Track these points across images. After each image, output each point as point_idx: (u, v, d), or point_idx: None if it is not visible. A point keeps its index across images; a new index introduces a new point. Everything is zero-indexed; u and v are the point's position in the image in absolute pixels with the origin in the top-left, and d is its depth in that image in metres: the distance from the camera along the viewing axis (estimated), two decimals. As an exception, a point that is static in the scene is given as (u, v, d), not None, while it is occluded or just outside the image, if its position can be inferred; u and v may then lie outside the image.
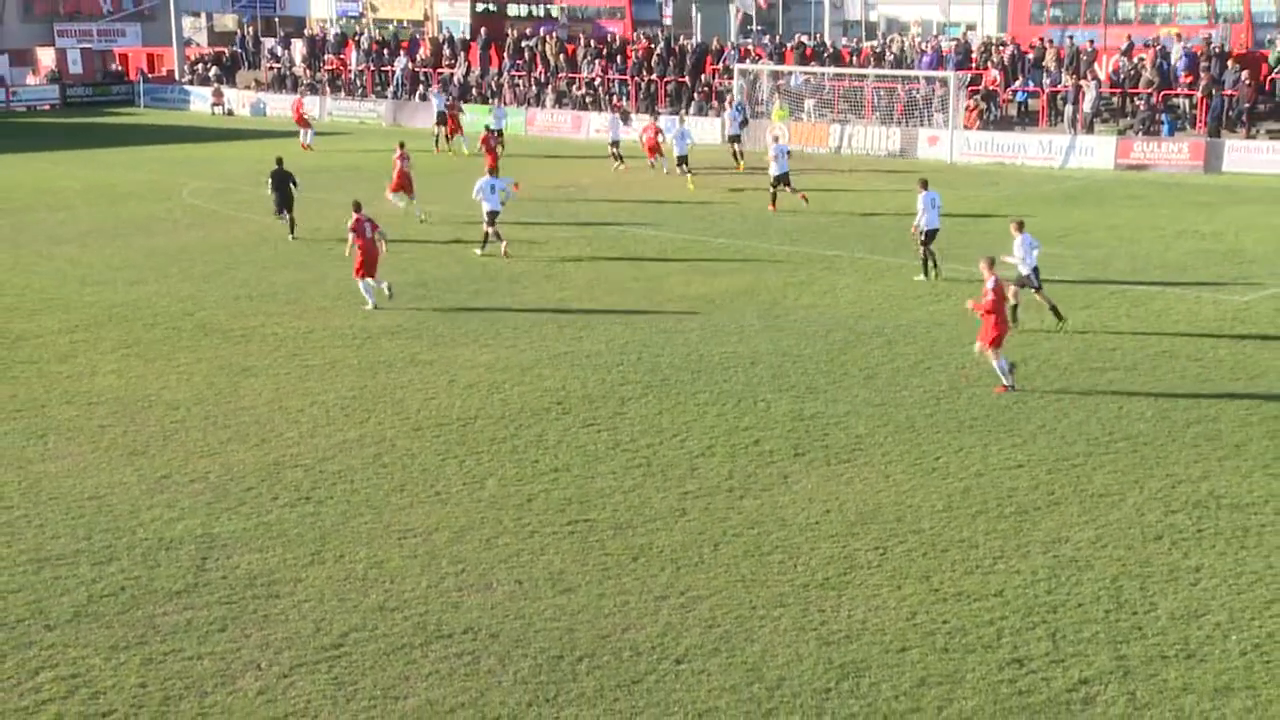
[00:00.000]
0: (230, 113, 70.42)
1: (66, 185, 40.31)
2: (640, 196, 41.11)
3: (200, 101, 72.96)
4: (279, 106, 67.79)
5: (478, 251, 31.26)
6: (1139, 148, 47.81)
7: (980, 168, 48.48)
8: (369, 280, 25.82)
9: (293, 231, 33.54)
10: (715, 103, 57.03)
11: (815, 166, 48.68)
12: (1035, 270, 23.94)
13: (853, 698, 11.57)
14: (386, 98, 67.17)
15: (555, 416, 19.36)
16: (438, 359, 22.36)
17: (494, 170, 33.35)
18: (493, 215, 30.82)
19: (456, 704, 11.46)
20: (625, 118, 53.28)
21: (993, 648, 12.44)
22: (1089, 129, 49.73)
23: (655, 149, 45.43)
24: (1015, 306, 23.18)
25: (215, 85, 72.83)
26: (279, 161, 33.96)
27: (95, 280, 28.87)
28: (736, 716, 11.29)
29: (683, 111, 55.72)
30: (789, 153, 38.46)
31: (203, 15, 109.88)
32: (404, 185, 35.88)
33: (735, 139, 47.70)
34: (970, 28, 74.71)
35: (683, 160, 42.90)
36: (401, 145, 37.19)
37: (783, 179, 36.88)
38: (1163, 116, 48.80)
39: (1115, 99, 51.64)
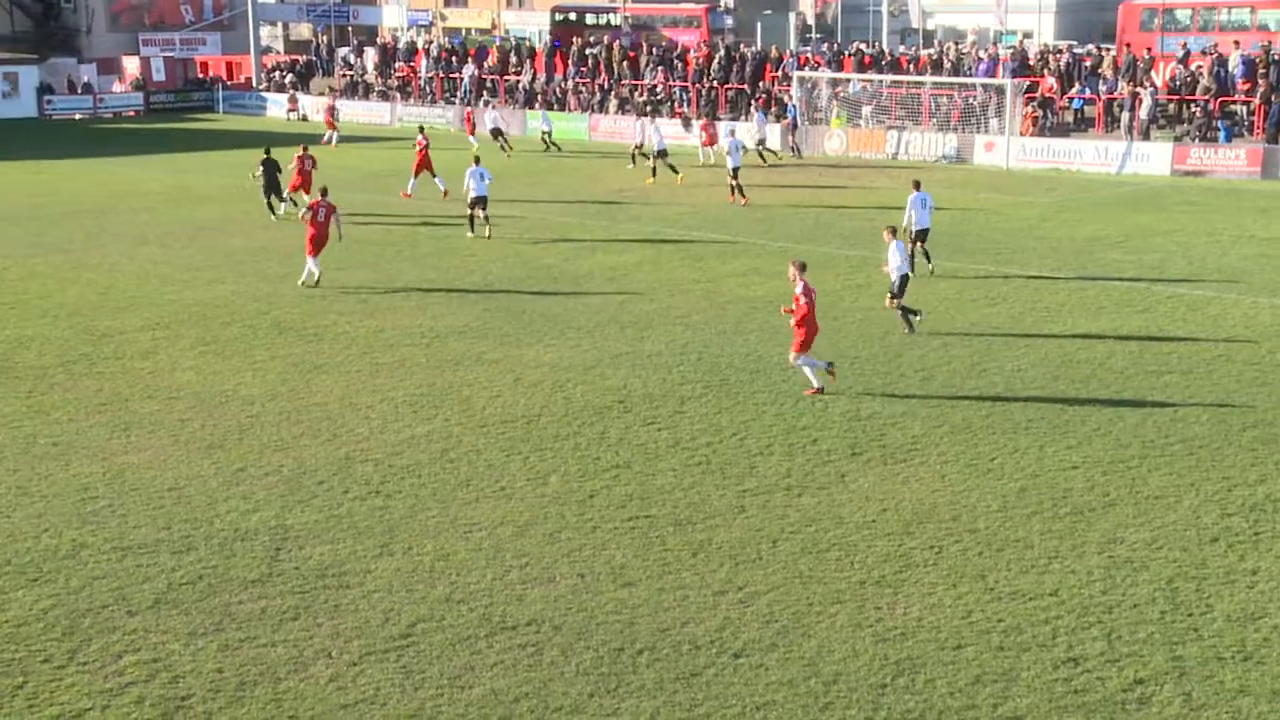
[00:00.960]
0: (304, 118, 71.18)
1: (149, 188, 41.02)
2: (699, 200, 41.30)
3: (276, 107, 73.87)
4: (352, 112, 68.84)
5: (469, 234, 34.04)
6: (1196, 154, 47.47)
7: (1036, 173, 48.29)
8: (313, 259, 28.01)
9: (274, 213, 37.09)
10: (774, 107, 57.26)
11: (872, 167, 48.83)
12: (904, 278, 24.21)
13: (908, 694, 11.68)
14: (455, 103, 67.79)
15: (617, 415, 19.61)
16: (503, 358, 22.69)
17: (428, 169, 38.73)
18: (479, 200, 33.57)
19: (520, 694, 11.67)
20: (686, 123, 53.90)
21: (1048, 646, 12.51)
22: (1145, 135, 49.46)
23: (711, 142, 50.00)
24: (905, 313, 24.13)
25: (290, 92, 73.69)
26: (267, 151, 37.50)
27: (176, 279, 29.42)
28: (793, 710, 11.42)
29: (652, 112, 58.33)
30: (744, 148, 42.19)
31: (279, 25, 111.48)
32: (305, 185, 37.21)
33: (761, 142, 50.45)
34: (1027, 35, 74.29)
35: (662, 154, 45.30)
36: (305, 147, 39.19)
37: (735, 173, 40.14)
38: (1219, 123, 48.43)
39: (1172, 106, 51.29)
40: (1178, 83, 50.73)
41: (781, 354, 22.83)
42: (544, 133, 56.27)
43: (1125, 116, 49.96)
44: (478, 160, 34.74)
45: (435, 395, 20.55)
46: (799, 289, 20.19)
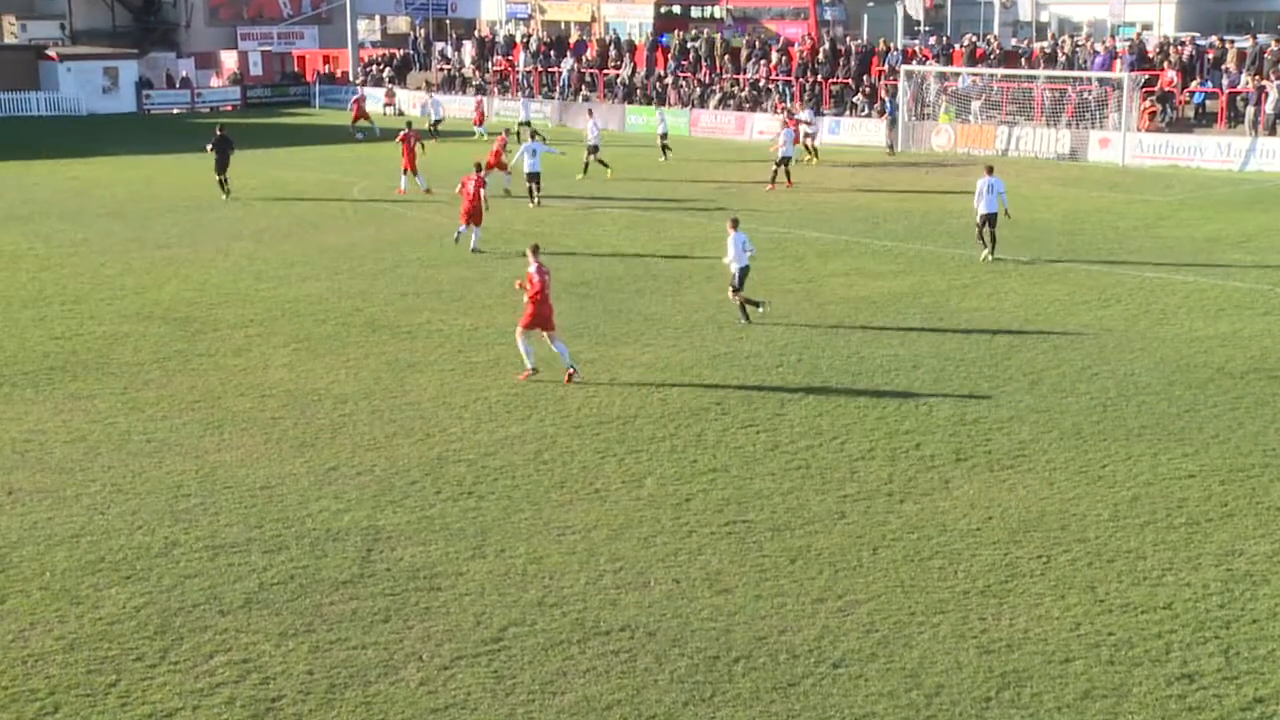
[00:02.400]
0: (401, 113, 71.70)
1: (244, 184, 41.53)
2: (800, 197, 40.93)
3: (372, 102, 74.30)
4: (449, 107, 69.21)
5: (531, 205, 37.99)
6: (1326, 151, 46.12)
7: (1154, 170, 47.25)
8: (464, 227, 31.50)
9: (225, 192, 40.20)
10: (879, 102, 56.67)
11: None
12: (744, 270, 24.43)
13: (1014, 708, 11.39)
14: (553, 98, 67.82)
15: (714, 417, 19.37)
16: (599, 357, 22.54)
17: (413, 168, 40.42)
18: (533, 175, 37.72)
19: (613, 700, 11.54)
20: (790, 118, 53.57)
21: (1161, 662, 12.15)
22: (1271, 131, 48.07)
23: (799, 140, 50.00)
24: (744, 305, 24.57)
25: (387, 86, 74.24)
26: (221, 128, 41.00)
27: (269, 276, 29.62)
28: (894, 723, 11.17)
29: (591, 108, 57.84)
30: (795, 138, 44.86)
31: (377, 18, 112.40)
32: (499, 164, 39.61)
33: (810, 136, 50.69)
34: (1146, 27, 72.63)
35: (594, 150, 45.67)
36: (521, 127, 43.17)
37: (784, 161, 42.69)
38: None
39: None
40: (1307, 75, 49.26)
41: (886, 356, 22.48)
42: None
43: (1250, 111, 48.60)
44: (534, 136, 38.94)
45: (529, 395, 20.45)
46: (532, 269, 20.67)
